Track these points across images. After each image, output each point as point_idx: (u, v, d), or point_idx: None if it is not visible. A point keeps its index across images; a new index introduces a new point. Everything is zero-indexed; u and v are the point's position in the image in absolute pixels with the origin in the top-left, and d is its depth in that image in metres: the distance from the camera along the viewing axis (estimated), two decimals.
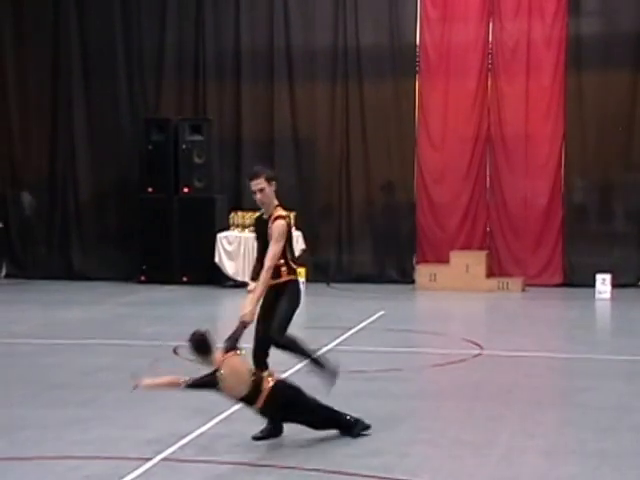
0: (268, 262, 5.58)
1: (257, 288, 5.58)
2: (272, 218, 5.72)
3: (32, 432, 5.76)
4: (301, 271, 12.90)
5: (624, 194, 13.27)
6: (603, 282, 12.04)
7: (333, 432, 5.63)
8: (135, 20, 14.15)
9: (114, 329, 9.72)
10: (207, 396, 6.69)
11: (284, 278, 5.72)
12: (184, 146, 13.49)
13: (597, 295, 12.01)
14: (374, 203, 13.90)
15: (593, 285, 12.12)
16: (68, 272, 14.02)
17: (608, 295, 11.96)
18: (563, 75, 13.15)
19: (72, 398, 6.64)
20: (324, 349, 8.20)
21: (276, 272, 5.67)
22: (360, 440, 5.56)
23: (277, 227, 5.66)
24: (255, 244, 5.96)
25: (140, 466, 4.95)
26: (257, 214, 5.99)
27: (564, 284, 13.05)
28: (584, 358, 8.27)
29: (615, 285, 12.12)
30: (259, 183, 5.72)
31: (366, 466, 5.03)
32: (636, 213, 13.07)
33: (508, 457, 5.28)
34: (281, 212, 5.77)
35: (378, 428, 5.79)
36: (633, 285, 12.73)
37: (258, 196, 5.74)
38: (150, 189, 13.49)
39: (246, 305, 5.56)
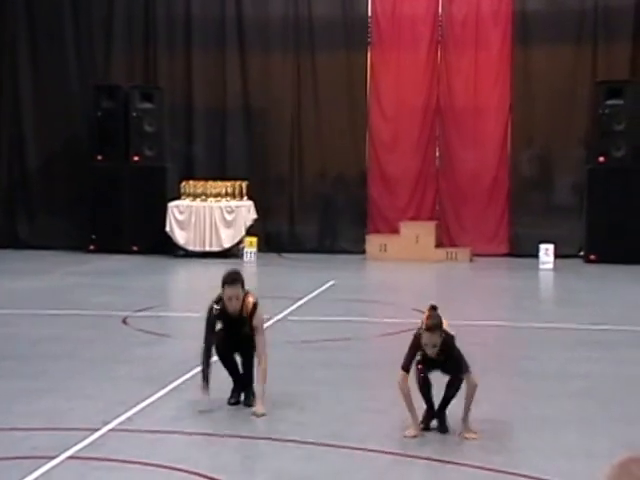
0: (264, 355, 5.45)
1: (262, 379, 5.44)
2: (247, 311, 5.46)
3: None
4: (252, 241, 12.99)
5: (568, 166, 13.54)
6: (546, 252, 12.31)
7: (279, 403, 5.71)
8: None
9: (63, 299, 9.63)
10: (157, 365, 6.71)
11: None
12: (134, 114, 13.32)
13: (540, 265, 12.28)
14: (326, 173, 13.94)
15: (537, 255, 12.39)
16: (14, 241, 13.80)
17: (551, 265, 12.24)
18: (510, 49, 13.30)
19: (20, 369, 6.59)
20: (274, 319, 8.27)
21: None
22: (309, 409, 5.65)
23: (261, 319, 5.55)
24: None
25: (87, 437, 4.95)
26: (215, 306, 5.45)
27: (510, 254, 13.31)
28: (528, 327, 8.48)
29: (558, 255, 12.41)
30: (238, 292, 5.40)
31: (315, 434, 5.11)
32: (578, 185, 13.35)
33: (453, 424, 5.41)
34: (250, 299, 5.48)
35: (327, 397, 5.89)
36: (574, 256, 13.03)
37: (234, 303, 5.40)
38: (100, 157, 13.31)
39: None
